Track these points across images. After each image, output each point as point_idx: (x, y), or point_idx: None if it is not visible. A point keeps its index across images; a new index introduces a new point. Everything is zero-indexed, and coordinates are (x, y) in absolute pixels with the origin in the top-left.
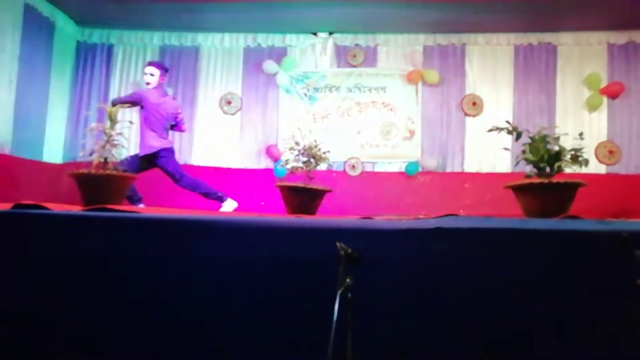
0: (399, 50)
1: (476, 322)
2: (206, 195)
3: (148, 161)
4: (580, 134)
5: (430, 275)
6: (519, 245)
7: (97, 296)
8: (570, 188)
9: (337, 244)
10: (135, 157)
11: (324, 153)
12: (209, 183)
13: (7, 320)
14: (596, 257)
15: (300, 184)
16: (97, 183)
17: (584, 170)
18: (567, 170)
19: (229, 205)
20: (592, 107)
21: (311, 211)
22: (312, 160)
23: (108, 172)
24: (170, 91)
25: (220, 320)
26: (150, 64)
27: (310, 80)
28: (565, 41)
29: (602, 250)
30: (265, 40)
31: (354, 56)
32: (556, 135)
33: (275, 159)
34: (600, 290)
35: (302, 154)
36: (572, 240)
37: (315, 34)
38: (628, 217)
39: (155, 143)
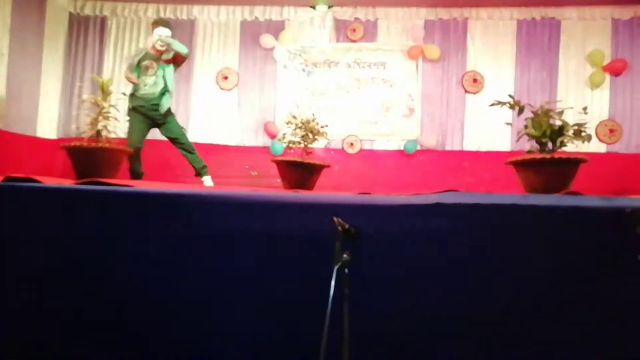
0: (399, 25)
1: (476, 298)
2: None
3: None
4: (584, 109)
5: (430, 251)
6: (520, 220)
7: (88, 272)
8: (572, 164)
9: (334, 218)
10: None
11: (322, 127)
12: (205, 159)
13: None
14: (598, 233)
15: (297, 158)
16: (89, 156)
17: (584, 148)
18: (568, 147)
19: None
20: (595, 84)
21: (308, 186)
22: (309, 134)
23: (100, 144)
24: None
25: (214, 295)
26: (160, 24)
27: (308, 55)
28: (569, 16)
29: (604, 227)
30: (263, 13)
31: (354, 30)
32: (560, 110)
33: (273, 136)
34: (601, 266)
35: (300, 128)
36: (573, 216)
37: (314, 7)
38: (628, 196)
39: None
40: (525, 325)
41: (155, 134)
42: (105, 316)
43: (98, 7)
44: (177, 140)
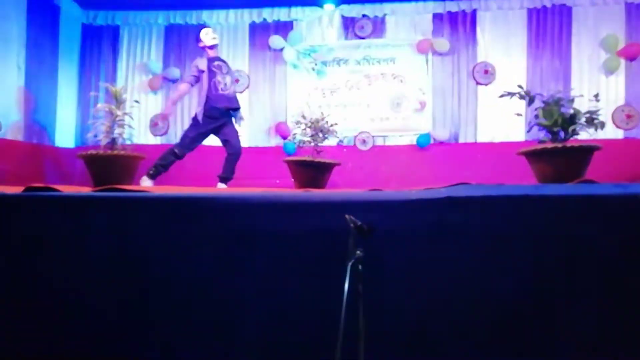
0: (407, 20)
1: (490, 291)
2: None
3: None
4: (596, 95)
5: (442, 245)
6: (532, 211)
7: (107, 274)
8: (585, 152)
9: (346, 216)
10: None
11: (331, 126)
12: (219, 162)
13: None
14: (612, 221)
15: (307, 158)
16: (105, 163)
17: (600, 135)
18: (583, 135)
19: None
20: (609, 70)
21: (320, 185)
22: (319, 133)
23: (116, 152)
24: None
25: (231, 294)
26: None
27: (317, 54)
28: (581, 2)
29: (618, 214)
30: (271, 14)
31: (362, 27)
32: (570, 98)
33: (285, 136)
34: (616, 254)
35: (310, 128)
36: (587, 204)
37: (321, 6)
38: None
39: None
40: (540, 315)
41: (169, 138)
42: (128, 316)
43: (110, 17)
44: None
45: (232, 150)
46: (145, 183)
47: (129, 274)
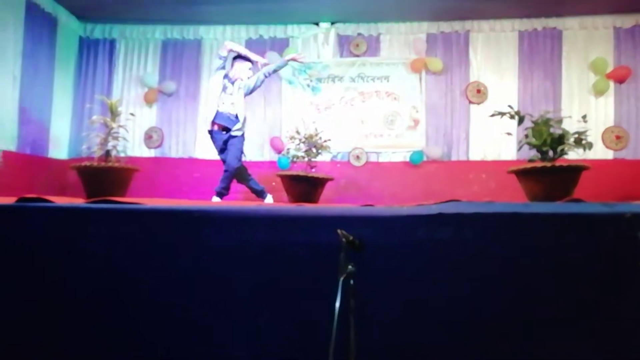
0: (402, 39)
1: (479, 306)
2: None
3: None
4: (584, 117)
5: (433, 260)
6: (521, 229)
7: (99, 286)
8: (573, 171)
9: (338, 231)
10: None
11: (325, 142)
12: (213, 176)
13: (10, 313)
14: (599, 240)
15: (301, 173)
16: (99, 175)
17: (590, 155)
18: (573, 155)
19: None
20: (599, 92)
21: (313, 199)
22: (313, 149)
23: (110, 164)
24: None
25: (222, 308)
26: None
27: (313, 71)
28: (571, 26)
29: (605, 233)
30: (267, 31)
31: (357, 45)
32: (559, 119)
33: (279, 151)
34: (602, 272)
35: (303, 143)
36: (574, 222)
37: (317, 24)
38: (630, 202)
39: None
40: (528, 331)
41: (163, 151)
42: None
43: (107, 30)
44: None
45: (226, 166)
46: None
47: (121, 287)
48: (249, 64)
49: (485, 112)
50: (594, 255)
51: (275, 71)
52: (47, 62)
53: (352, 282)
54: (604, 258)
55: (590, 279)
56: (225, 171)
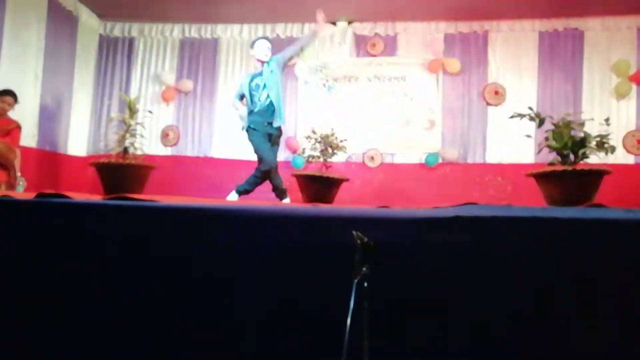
0: (419, 39)
1: (497, 312)
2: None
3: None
4: (607, 120)
5: (449, 264)
6: (540, 234)
7: (116, 283)
8: (594, 176)
9: (354, 232)
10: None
11: (341, 142)
12: (228, 174)
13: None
14: (622, 247)
15: (316, 172)
16: (116, 172)
17: (611, 159)
18: (593, 159)
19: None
20: (621, 94)
21: (328, 200)
22: (329, 149)
23: (128, 161)
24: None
25: (236, 307)
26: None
27: (329, 71)
28: (593, 26)
29: (627, 240)
30: (284, 30)
31: (374, 45)
32: (581, 122)
33: (294, 151)
34: (624, 280)
35: (319, 143)
36: (596, 229)
37: (334, 23)
38: None
39: None
40: (548, 338)
41: (179, 149)
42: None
43: (127, 29)
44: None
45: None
46: (233, 197)
47: (139, 284)
48: (267, 43)
49: (503, 114)
50: (616, 262)
51: (302, 49)
52: (68, 60)
53: (366, 284)
54: (626, 266)
55: (612, 286)
56: (261, 170)
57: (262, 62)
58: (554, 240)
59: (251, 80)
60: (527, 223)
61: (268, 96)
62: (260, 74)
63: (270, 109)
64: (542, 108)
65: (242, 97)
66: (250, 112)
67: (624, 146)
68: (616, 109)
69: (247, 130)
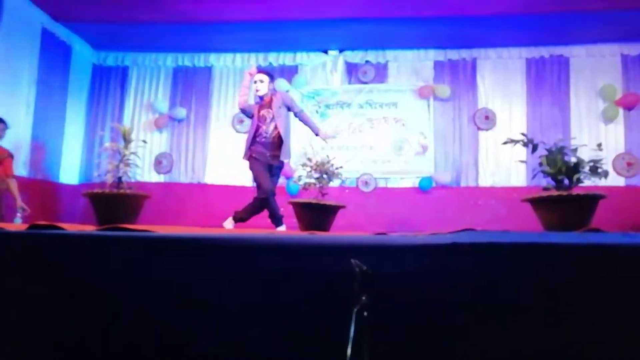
0: (409, 66)
1: (496, 339)
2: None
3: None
4: (599, 145)
5: (448, 291)
6: (539, 260)
7: (110, 315)
8: (591, 200)
9: (352, 261)
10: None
11: (337, 169)
12: (222, 201)
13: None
14: (620, 271)
15: (313, 200)
16: (110, 202)
17: (602, 182)
18: (586, 182)
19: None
20: (608, 118)
21: (325, 227)
22: (324, 176)
23: (122, 191)
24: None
25: (234, 337)
26: (260, 70)
27: (321, 97)
28: (578, 53)
29: (626, 264)
30: (277, 59)
31: (365, 73)
32: (574, 147)
33: (288, 176)
34: (624, 306)
35: (315, 170)
36: (595, 253)
37: (326, 51)
38: None
39: None
40: None
41: (173, 176)
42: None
43: (120, 58)
44: None
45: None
46: (229, 225)
47: (131, 315)
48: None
49: (494, 139)
50: (615, 287)
51: (303, 121)
52: (61, 89)
53: (365, 313)
54: (626, 291)
55: (612, 312)
56: (259, 198)
57: (271, 98)
58: (552, 265)
59: (259, 110)
60: (524, 249)
61: (275, 127)
62: (269, 106)
63: (276, 143)
64: (532, 132)
65: (244, 112)
66: (253, 141)
67: (614, 168)
68: (604, 133)
69: (248, 159)
